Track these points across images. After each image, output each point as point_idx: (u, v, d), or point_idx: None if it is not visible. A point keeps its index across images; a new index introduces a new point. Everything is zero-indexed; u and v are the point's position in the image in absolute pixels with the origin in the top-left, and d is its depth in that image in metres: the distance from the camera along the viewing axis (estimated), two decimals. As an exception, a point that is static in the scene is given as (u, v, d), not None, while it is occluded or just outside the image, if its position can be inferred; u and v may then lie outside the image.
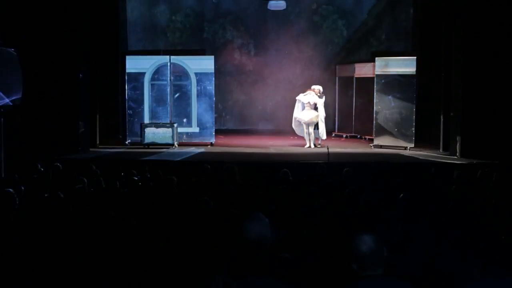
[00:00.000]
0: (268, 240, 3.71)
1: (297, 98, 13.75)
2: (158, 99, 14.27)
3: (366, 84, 15.17)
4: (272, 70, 17.50)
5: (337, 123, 16.57)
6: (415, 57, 13.90)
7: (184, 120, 14.26)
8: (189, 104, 14.31)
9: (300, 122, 13.74)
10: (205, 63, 14.31)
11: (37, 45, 11.71)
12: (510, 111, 11.77)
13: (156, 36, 17.52)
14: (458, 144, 12.27)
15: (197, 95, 14.28)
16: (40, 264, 3.99)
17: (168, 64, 14.24)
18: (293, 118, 13.87)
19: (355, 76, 15.86)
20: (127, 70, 14.27)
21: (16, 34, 11.12)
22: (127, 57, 14.61)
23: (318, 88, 13.65)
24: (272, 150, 13.49)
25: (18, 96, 10.41)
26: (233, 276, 3.48)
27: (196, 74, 14.26)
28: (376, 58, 14.34)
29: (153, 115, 14.21)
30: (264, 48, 17.57)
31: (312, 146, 13.57)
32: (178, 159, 11.79)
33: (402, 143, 13.64)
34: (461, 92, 12.26)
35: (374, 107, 14.02)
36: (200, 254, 3.88)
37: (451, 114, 12.64)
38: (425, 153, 13.06)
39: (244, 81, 17.72)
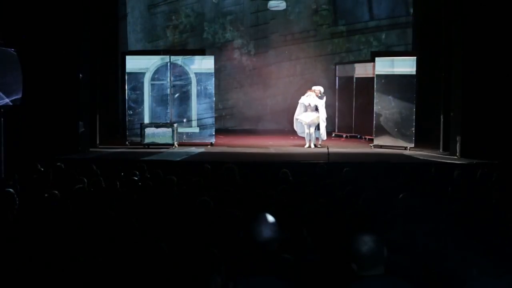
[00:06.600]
0: (276, 242, 3.69)
1: (299, 101, 13.73)
2: (158, 99, 14.26)
3: (366, 84, 15.16)
4: (272, 70, 17.52)
5: (337, 123, 16.55)
6: (415, 57, 13.89)
7: (184, 120, 14.25)
8: (189, 104, 14.29)
9: (301, 123, 13.74)
10: (205, 63, 14.30)
11: (37, 45, 11.70)
12: (510, 111, 11.76)
13: (156, 36, 17.54)
14: (458, 144, 12.26)
15: (197, 95, 14.26)
16: (40, 264, 3.99)
17: (168, 64, 14.23)
18: (294, 119, 13.87)
19: (355, 76, 15.85)
20: (127, 70, 14.26)
21: (16, 34, 11.11)
22: (127, 57, 14.61)
23: (318, 88, 13.64)
24: (272, 150, 13.49)
25: (18, 96, 10.38)
26: (232, 276, 3.48)
27: (196, 74, 14.25)
28: (376, 58, 14.34)
29: (153, 115, 14.20)
30: (264, 48, 17.59)
31: (312, 146, 13.57)
32: (178, 159, 11.78)
33: (402, 143, 13.63)
34: (461, 92, 12.25)
35: (374, 107, 14.00)
36: (199, 254, 3.87)
37: (451, 114, 12.64)
38: (425, 153, 13.05)
39: (244, 81, 17.73)
